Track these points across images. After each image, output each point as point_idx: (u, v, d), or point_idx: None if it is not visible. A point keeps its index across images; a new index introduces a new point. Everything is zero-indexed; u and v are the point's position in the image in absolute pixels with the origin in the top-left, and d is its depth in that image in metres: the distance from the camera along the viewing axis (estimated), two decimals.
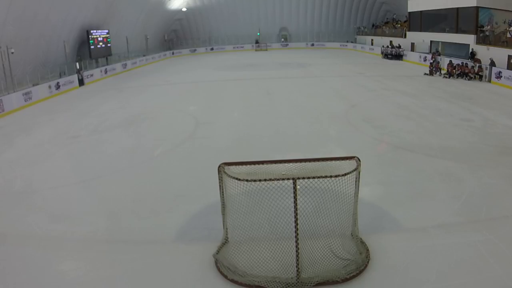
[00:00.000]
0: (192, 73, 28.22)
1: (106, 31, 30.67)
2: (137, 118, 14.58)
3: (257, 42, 47.31)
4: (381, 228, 6.32)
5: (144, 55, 37.15)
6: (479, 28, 22.86)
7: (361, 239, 5.75)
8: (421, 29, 29.77)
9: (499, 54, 19.99)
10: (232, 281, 5.06)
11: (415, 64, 27.80)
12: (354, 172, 5.13)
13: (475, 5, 22.76)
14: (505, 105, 14.78)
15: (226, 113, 15.01)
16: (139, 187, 8.29)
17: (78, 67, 24.63)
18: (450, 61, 21.85)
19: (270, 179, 4.83)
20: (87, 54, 28.08)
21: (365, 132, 11.67)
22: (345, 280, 5.00)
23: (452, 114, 13.39)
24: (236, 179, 4.91)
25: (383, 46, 33.78)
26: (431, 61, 23.13)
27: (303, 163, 5.30)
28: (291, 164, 5.27)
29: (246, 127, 12.82)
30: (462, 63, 21.28)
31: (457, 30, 25.26)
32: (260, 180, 4.81)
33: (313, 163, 5.26)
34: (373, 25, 43.23)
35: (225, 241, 5.74)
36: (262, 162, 5.22)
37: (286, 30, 47.84)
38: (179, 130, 12.73)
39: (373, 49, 37.04)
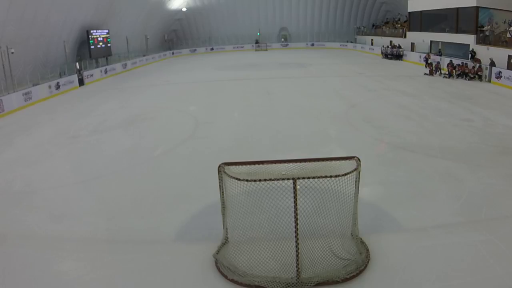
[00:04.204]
0: (192, 73, 28.22)
1: (106, 31, 30.67)
2: (137, 118, 14.58)
3: (257, 42, 47.30)
4: (381, 228, 6.32)
5: (144, 55, 37.15)
6: (479, 28, 22.86)
7: (361, 239, 5.75)
8: (421, 29, 29.77)
9: (499, 54, 20.00)
10: (232, 281, 5.06)
11: (415, 64, 27.79)
12: (354, 172, 5.13)
13: (475, 5, 22.76)
14: (505, 105, 14.79)
15: (226, 113, 15.01)
16: (139, 187, 8.29)
17: (78, 67, 24.62)
18: (451, 61, 21.86)
19: (270, 179, 4.83)
20: (87, 54, 28.10)
21: (365, 132, 11.67)
22: (345, 280, 5.00)
23: (452, 114, 13.39)
24: (236, 179, 4.91)
25: (383, 46, 33.79)
26: (430, 61, 23.12)
27: (303, 163, 5.29)
28: (291, 164, 5.27)
29: (246, 127, 12.83)
30: (462, 63, 21.28)
31: (457, 30, 25.26)
32: (260, 180, 4.81)
33: (313, 163, 5.26)
34: (373, 25, 43.24)
35: (225, 241, 5.74)
36: (262, 162, 5.21)
37: (286, 30, 47.83)
38: (179, 130, 12.73)
39: (373, 49, 37.04)
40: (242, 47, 47.07)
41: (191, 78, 25.57)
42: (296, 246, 4.94)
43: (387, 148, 10.31)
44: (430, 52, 26.67)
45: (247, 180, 4.85)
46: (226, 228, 5.71)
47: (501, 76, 18.72)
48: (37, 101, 18.81)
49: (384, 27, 39.63)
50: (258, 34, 47.23)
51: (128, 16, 33.91)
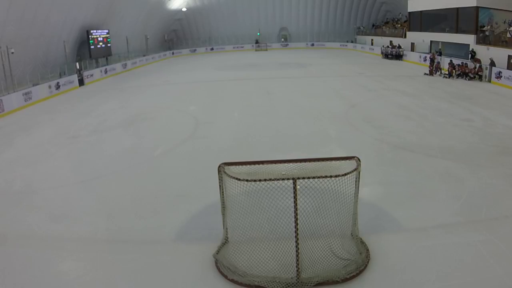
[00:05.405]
0: (192, 73, 28.22)
1: (106, 31, 30.67)
2: (137, 118, 14.57)
3: (257, 42, 47.31)
4: (381, 228, 6.31)
5: (144, 55, 37.15)
6: (479, 28, 22.87)
7: (361, 239, 5.75)
8: (421, 29, 29.78)
9: (499, 54, 20.00)
10: (232, 281, 5.06)
11: (415, 64, 27.80)
12: (354, 172, 5.12)
13: (475, 5, 22.76)
14: (505, 105, 14.78)
15: (226, 113, 15.01)
16: (139, 187, 8.29)
17: (78, 67, 24.62)
18: (451, 60, 21.85)
19: (270, 179, 4.83)
20: (87, 54, 28.10)
21: (365, 132, 11.67)
22: (345, 280, 5.00)
23: (452, 114, 13.39)
24: (236, 179, 4.91)
25: (383, 46, 33.79)
26: (436, 61, 23.07)
27: (303, 163, 5.29)
28: (291, 164, 5.27)
29: (246, 127, 12.82)
30: (462, 63, 21.28)
31: (457, 30, 25.26)
32: (260, 180, 4.81)
33: (313, 163, 5.26)
34: (373, 25, 43.24)
35: (225, 241, 5.74)
36: (262, 162, 5.21)
37: (286, 30, 47.84)
38: (179, 130, 12.73)
39: (373, 49, 37.04)
40: (242, 47, 47.07)
41: (191, 78, 25.57)
42: (296, 246, 4.94)
43: (387, 148, 10.31)
44: (434, 52, 26.52)
45: (247, 180, 4.85)
46: (226, 228, 5.71)
47: (501, 76, 18.72)
48: (37, 101, 18.81)
49: (384, 27, 39.63)
50: (258, 34, 47.23)
51: (128, 16, 33.91)
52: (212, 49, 46.81)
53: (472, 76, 20.35)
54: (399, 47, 31.58)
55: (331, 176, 4.91)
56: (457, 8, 24.73)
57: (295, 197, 4.86)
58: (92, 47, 28.37)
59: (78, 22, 26.37)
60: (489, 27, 22.41)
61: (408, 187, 7.83)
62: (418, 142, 10.55)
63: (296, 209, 4.90)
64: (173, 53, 44.90)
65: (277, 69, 28.68)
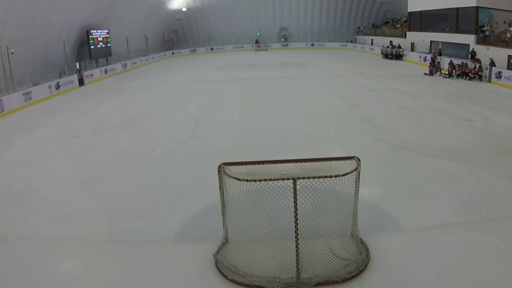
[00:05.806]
0: (192, 73, 28.22)
1: (106, 31, 30.68)
2: (137, 118, 14.57)
3: (257, 42, 47.31)
4: (381, 228, 6.31)
5: (144, 55, 37.14)
6: (479, 28, 22.87)
7: (361, 239, 5.75)
8: (421, 29, 29.79)
9: (499, 54, 20.00)
10: (232, 281, 5.06)
11: (415, 64, 27.80)
12: (354, 172, 5.12)
13: (475, 5, 22.77)
14: (505, 105, 14.78)
15: (226, 113, 15.01)
16: (139, 187, 8.29)
17: (78, 67, 24.62)
18: (451, 61, 21.86)
19: (270, 179, 4.83)
20: (87, 54, 28.11)
21: (365, 132, 11.67)
22: (345, 280, 5.00)
23: (452, 114, 13.39)
24: (236, 179, 4.91)
25: (383, 46, 33.79)
26: (437, 61, 23.03)
27: (303, 163, 5.29)
28: (291, 164, 5.27)
29: (246, 127, 12.82)
30: (462, 63, 21.28)
31: (457, 30, 25.26)
32: (260, 180, 4.81)
33: (313, 163, 5.26)
34: (373, 25, 43.24)
35: (225, 241, 5.74)
36: (262, 162, 5.21)
37: (286, 30, 47.84)
38: (179, 130, 12.73)
39: (373, 49, 37.04)
40: (242, 47, 47.06)
41: (191, 78, 25.57)
42: (296, 246, 4.94)
43: (387, 148, 10.32)
44: (435, 52, 26.49)
45: (247, 180, 4.85)
46: (226, 228, 5.71)
47: (501, 76, 18.72)
48: (37, 101, 18.81)
49: (384, 27, 39.63)
50: (258, 34, 47.23)
51: (128, 16, 33.91)
52: (212, 49, 46.80)
53: (472, 76, 20.35)
54: (399, 47, 31.58)
55: (331, 176, 4.91)
56: (457, 8, 24.73)
57: (295, 197, 4.86)
58: (92, 47, 28.38)
59: (78, 22, 26.37)
60: (489, 27, 22.41)
61: (408, 187, 7.83)
62: (418, 142, 10.55)
63: (296, 209, 4.90)
64: (173, 53, 44.90)
65: (277, 69, 28.67)
